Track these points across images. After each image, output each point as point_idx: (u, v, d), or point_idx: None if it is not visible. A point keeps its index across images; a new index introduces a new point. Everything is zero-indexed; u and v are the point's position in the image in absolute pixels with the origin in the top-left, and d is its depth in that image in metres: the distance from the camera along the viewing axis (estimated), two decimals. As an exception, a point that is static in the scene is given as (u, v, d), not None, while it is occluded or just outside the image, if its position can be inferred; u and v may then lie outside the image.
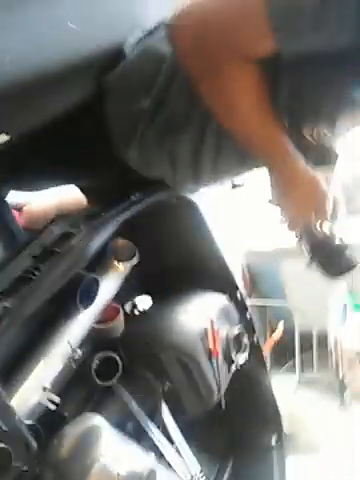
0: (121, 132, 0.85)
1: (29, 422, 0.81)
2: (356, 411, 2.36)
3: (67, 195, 1.34)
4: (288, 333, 2.99)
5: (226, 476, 1.22)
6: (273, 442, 1.40)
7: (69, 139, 0.87)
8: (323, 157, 0.84)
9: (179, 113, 0.81)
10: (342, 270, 0.92)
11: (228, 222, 3.05)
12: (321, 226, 0.88)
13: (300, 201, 0.85)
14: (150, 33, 0.87)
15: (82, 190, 1.06)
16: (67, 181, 1.03)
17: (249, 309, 1.30)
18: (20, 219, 1.53)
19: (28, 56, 0.55)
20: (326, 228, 0.89)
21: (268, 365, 2.97)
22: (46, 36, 0.58)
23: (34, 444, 0.70)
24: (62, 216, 0.78)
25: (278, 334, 2.65)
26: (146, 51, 0.84)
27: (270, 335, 2.86)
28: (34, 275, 0.64)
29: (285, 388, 2.66)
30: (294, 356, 3.01)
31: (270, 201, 0.89)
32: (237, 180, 2.05)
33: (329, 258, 0.91)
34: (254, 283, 3.37)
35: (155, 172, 0.93)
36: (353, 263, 0.90)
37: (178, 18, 0.71)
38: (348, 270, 0.92)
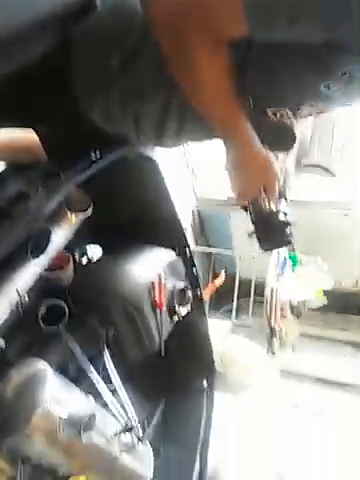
0: (86, 86, 0.82)
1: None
2: (281, 358, 2.57)
3: (21, 138, 1.28)
4: (229, 279, 3.14)
5: (156, 416, 1.32)
6: (204, 385, 1.51)
7: (31, 84, 0.83)
8: (282, 136, 0.87)
9: (146, 78, 0.80)
10: (277, 246, 0.98)
11: (183, 166, 3.05)
12: (266, 202, 0.92)
13: (250, 177, 0.89)
14: None
15: (41, 139, 1.02)
16: (25, 121, 0.99)
17: (195, 265, 1.34)
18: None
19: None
20: (271, 204, 0.93)
21: (207, 308, 3.14)
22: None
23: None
24: (19, 170, 0.76)
25: (220, 281, 2.78)
26: (119, 6, 0.80)
27: (213, 280, 2.99)
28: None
29: (220, 331, 2.82)
30: (232, 301, 3.17)
31: (225, 168, 0.92)
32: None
33: (268, 233, 0.96)
34: (203, 229, 3.45)
35: (118, 129, 0.92)
36: (289, 240, 0.96)
37: None
38: (282, 246, 0.98)
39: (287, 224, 0.94)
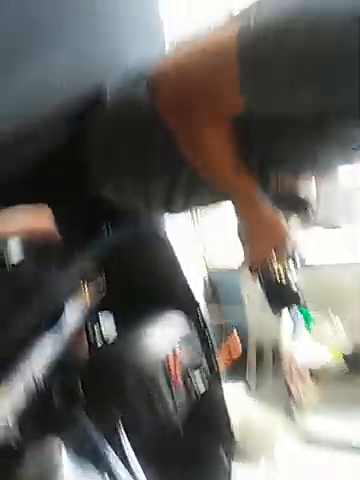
0: (100, 171, 0.87)
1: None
2: (302, 424, 2.46)
3: (32, 219, 1.32)
4: (243, 343, 3.08)
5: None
6: (222, 453, 1.44)
7: (45, 170, 0.88)
8: (293, 205, 0.90)
9: (155, 160, 0.85)
10: (286, 305, 0.98)
11: (193, 237, 3.11)
12: (275, 264, 0.94)
13: (262, 236, 0.90)
14: (128, 79, 0.89)
15: (55, 216, 1.06)
16: (40, 200, 1.03)
17: (212, 338, 1.34)
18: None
19: (13, 110, 0.56)
20: (280, 265, 0.94)
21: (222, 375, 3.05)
22: (32, 93, 0.59)
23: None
24: (35, 252, 0.79)
25: (236, 352, 2.71)
26: (126, 100, 0.86)
27: (227, 351, 2.92)
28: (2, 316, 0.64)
29: (236, 397, 2.73)
30: (247, 367, 3.09)
31: (236, 232, 0.94)
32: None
33: (277, 295, 0.97)
34: (214, 295, 3.43)
35: (128, 205, 0.96)
36: (298, 300, 0.96)
37: (159, 72, 0.75)
38: (292, 305, 0.98)
39: (296, 285, 0.95)
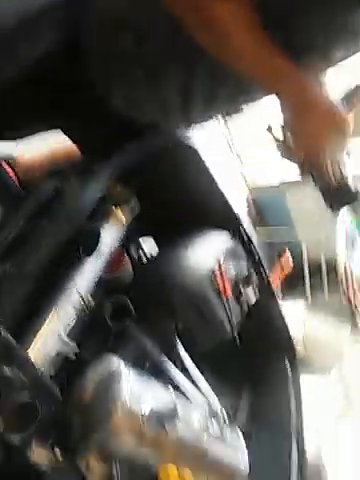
0: (105, 73, 0.81)
1: (51, 373, 0.85)
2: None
3: (59, 145, 1.31)
4: (297, 263, 3.04)
5: (244, 403, 1.29)
6: (287, 366, 1.46)
7: (49, 83, 0.83)
8: (345, 196, 0.83)
9: (164, 51, 0.77)
10: (348, 203, 0.92)
11: (230, 156, 3.01)
12: (333, 163, 0.86)
13: (317, 124, 0.78)
14: None
15: (72, 139, 1.03)
16: (52, 126, 1.00)
17: (257, 248, 1.30)
18: (13, 172, 1.50)
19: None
20: (337, 165, 0.87)
21: (279, 293, 3.05)
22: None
23: (57, 391, 0.73)
24: (53, 171, 0.77)
25: (288, 267, 2.68)
26: None
27: (279, 267, 2.89)
28: (31, 236, 0.64)
29: (297, 314, 2.73)
30: (304, 284, 3.07)
31: (283, 128, 0.85)
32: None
33: (338, 196, 0.90)
34: (261, 218, 3.37)
35: (145, 116, 0.90)
36: (357, 195, 0.90)
37: None
38: (352, 202, 0.92)
39: (351, 183, 0.88)
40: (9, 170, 1.46)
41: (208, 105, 0.89)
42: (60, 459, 0.68)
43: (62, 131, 0.98)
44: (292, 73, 0.74)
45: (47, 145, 1.34)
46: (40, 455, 0.69)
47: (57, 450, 0.71)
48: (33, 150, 1.45)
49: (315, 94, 0.78)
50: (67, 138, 1.03)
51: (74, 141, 1.00)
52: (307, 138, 0.82)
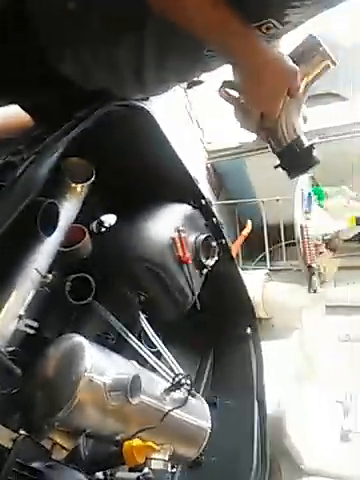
0: (52, 39, 0.76)
1: (10, 349, 0.83)
2: (323, 294, 2.52)
3: (11, 116, 1.25)
4: (257, 228, 3.09)
5: (207, 369, 1.32)
6: (248, 331, 1.49)
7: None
8: (300, 160, 0.84)
9: (111, 15, 0.73)
10: (306, 169, 0.92)
11: (187, 122, 2.97)
12: (289, 125, 0.86)
13: (269, 83, 0.78)
14: None
15: (26, 110, 0.98)
16: (4, 100, 0.95)
17: (216, 214, 1.30)
18: None
19: None
20: (293, 129, 0.87)
21: (240, 260, 3.11)
22: None
23: (17, 369, 0.72)
24: (2, 143, 0.73)
25: (247, 230, 2.72)
26: None
27: (240, 232, 2.94)
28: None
29: (257, 279, 2.79)
30: (264, 249, 3.12)
31: (239, 92, 0.84)
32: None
33: (294, 159, 0.90)
34: (221, 184, 3.38)
35: (96, 82, 0.86)
36: (316, 161, 0.90)
37: None
38: (311, 167, 0.92)
39: (312, 145, 0.88)
40: None
41: (160, 74, 0.87)
42: (24, 438, 0.67)
43: (14, 101, 0.93)
44: (245, 32, 0.73)
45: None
46: (3, 435, 0.68)
47: (21, 429, 0.70)
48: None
49: (268, 53, 0.77)
50: (19, 108, 0.98)
51: (26, 110, 0.95)
52: (260, 98, 0.81)
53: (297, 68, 0.79)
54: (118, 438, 0.86)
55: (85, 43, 0.76)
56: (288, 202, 2.85)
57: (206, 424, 1.00)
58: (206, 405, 1.04)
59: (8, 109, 1.12)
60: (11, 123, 1.06)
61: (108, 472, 0.74)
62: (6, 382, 0.68)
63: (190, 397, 0.97)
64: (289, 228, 3.05)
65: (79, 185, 1.00)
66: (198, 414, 1.00)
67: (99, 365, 0.85)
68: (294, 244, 2.94)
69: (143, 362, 1.06)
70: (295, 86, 0.80)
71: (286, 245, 3.11)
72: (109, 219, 1.13)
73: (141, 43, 0.77)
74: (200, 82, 1.04)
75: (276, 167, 0.92)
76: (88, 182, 1.01)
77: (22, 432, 0.71)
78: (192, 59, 0.87)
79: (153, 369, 1.02)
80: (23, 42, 0.75)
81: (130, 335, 1.04)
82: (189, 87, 1.10)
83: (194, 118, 2.94)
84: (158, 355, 1.08)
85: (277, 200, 2.96)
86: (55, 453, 0.74)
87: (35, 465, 0.66)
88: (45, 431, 0.76)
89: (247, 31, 0.73)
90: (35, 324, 0.87)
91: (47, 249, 0.91)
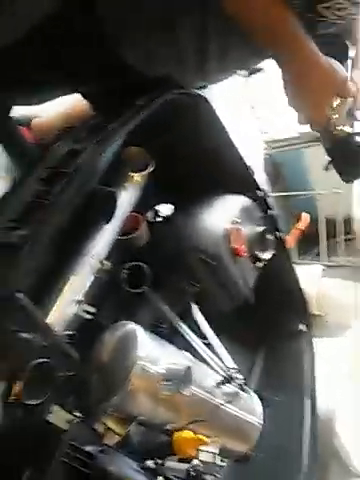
0: (114, 27, 0.76)
1: (69, 337, 0.85)
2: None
3: (74, 105, 1.27)
4: (313, 222, 3.00)
5: (259, 365, 1.30)
6: (301, 327, 1.46)
7: (61, 42, 0.79)
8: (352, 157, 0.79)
9: (179, 4, 0.72)
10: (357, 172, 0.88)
11: (246, 111, 2.91)
12: (339, 123, 0.82)
13: (318, 87, 0.77)
14: None
15: (87, 98, 0.99)
16: (66, 88, 0.96)
17: (272, 206, 1.27)
18: (29, 134, 1.49)
19: None
20: (345, 126, 0.83)
21: (295, 254, 3.03)
22: None
23: (74, 353, 0.73)
24: (66, 132, 0.74)
25: (304, 224, 2.65)
26: None
27: (294, 225, 2.86)
28: (46, 199, 0.62)
29: (312, 275, 2.71)
30: (319, 244, 3.03)
31: (287, 99, 0.82)
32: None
33: (347, 161, 0.86)
34: (278, 176, 3.30)
35: (158, 69, 0.85)
36: None
37: None
38: None
39: None
40: (26, 133, 1.45)
41: (222, 61, 0.85)
42: (78, 421, 0.69)
43: (76, 90, 0.94)
44: (292, 32, 0.72)
45: (61, 106, 1.30)
46: (59, 417, 0.70)
47: (75, 412, 0.72)
48: (48, 112, 1.42)
49: (317, 58, 0.75)
50: (81, 99, 1.00)
51: (87, 99, 0.96)
52: (305, 103, 0.80)
53: (346, 74, 0.76)
54: (168, 428, 0.87)
55: (149, 29, 0.76)
56: (346, 195, 2.75)
57: (257, 420, 0.99)
58: (258, 401, 1.02)
59: (70, 98, 1.14)
60: (74, 112, 1.08)
61: (158, 461, 0.75)
62: (63, 365, 0.70)
63: (242, 392, 0.96)
64: (347, 222, 2.94)
65: (137, 174, 1.01)
66: (249, 410, 0.99)
67: (152, 353, 0.86)
68: (351, 239, 2.84)
69: (194, 353, 1.06)
70: (345, 91, 0.78)
71: (344, 240, 2.99)
72: (165, 209, 1.13)
73: (205, 29, 0.76)
74: (260, 70, 1.02)
75: (326, 169, 0.89)
76: (146, 171, 1.01)
77: (77, 415, 0.74)
78: (254, 46, 0.84)
79: (204, 361, 1.01)
80: (88, 28, 0.76)
81: (183, 325, 1.04)
82: (249, 74, 1.08)
83: (252, 107, 2.88)
84: (210, 347, 1.07)
85: (335, 193, 2.85)
86: (107, 438, 0.75)
87: (88, 449, 0.67)
88: (98, 415, 0.78)
89: (299, 34, 0.72)
90: (92, 310, 0.89)
91: (105, 237, 0.93)
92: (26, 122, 1.51)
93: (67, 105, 1.28)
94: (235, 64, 0.92)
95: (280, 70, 0.79)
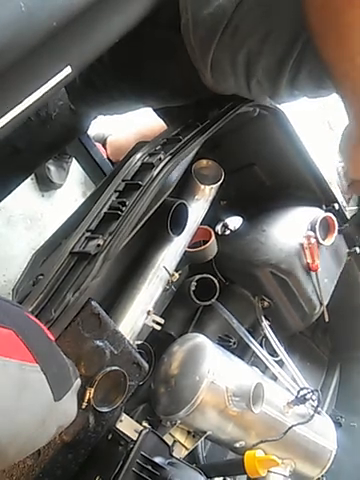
0: (197, 50, 0.76)
1: (139, 342, 0.86)
2: None
3: (147, 123, 1.31)
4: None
5: (332, 387, 1.23)
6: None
7: (139, 57, 0.81)
8: None
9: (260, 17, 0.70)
10: None
11: (322, 127, 2.83)
12: None
13: None
14: None
15: (160, 114, 1.01)
16: (142, 102, 0.99)
17: (349, 219, 1.21)
18: (105, 151, 1.55)
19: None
20: None
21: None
22: None
23: (145, 363, 0.74)
24: (141, 145, 0.76)
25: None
26: None
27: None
28: (121, 210, 0.64)
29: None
30: None
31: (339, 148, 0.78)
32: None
33: None
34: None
35: (230, 86, 0.84)
36: None
37: None
38: None
39: None
40: (102, 150, 1.52)
41: (292, 85, 0.82)
42: (147, 431, 0.69)
43: (150, 105, 0.96)
44: None
45: (136, 126, 1.35)
46: (128, 425, 0.71)
47: (144, 422, 0.73)
48: (123, 131, 1.48)
49: None
50: (155, 118, 1.02)
51: (161, 112, 0.98)
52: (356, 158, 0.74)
53: None
54: (237, 445, 0.85)
55: (229, 51, 0.75)
56: None
57: (331, 445, 0.94)
58: (332, 424, 0.97)
59: (144, 117, 1.17)
60: (147, 131, 1.10)
61: (227, 479, 0.73)
62: (134, 374, 0.71)
63: (315, 413, 0.91)
64: None
65: (208, 186, 1.01)
66: (323, 433, 0.93)
67: (222, 368, 0.84)
68: None
69: (263, 370, 1.03)
70: None
71: None
72: (234, 221, 1.12)
73: (292, 46, 0.73)
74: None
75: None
76: (217, 184, 1.01)
77: (146, 425, 0.74)
78: (320, 83, 0.81)
79: (275, 379, 0.98)
80: (174, 41, 0.76)
81: (252, 340, 1.01)
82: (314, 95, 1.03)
83: (327, 119, 2.79)
84: (280, 364, 1.04)
85: None
86: (175, 451, 0.74)
87: (157, 460, 0.67)
88: (167, 427, 0.78)
89: None
90: (162, 320, 0.90)
91: (175, 248, 0.93)
92: (102, 140, 1.59)
93: (141, 124, 1.31)
94: (301, 91, 0.89)
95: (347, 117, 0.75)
